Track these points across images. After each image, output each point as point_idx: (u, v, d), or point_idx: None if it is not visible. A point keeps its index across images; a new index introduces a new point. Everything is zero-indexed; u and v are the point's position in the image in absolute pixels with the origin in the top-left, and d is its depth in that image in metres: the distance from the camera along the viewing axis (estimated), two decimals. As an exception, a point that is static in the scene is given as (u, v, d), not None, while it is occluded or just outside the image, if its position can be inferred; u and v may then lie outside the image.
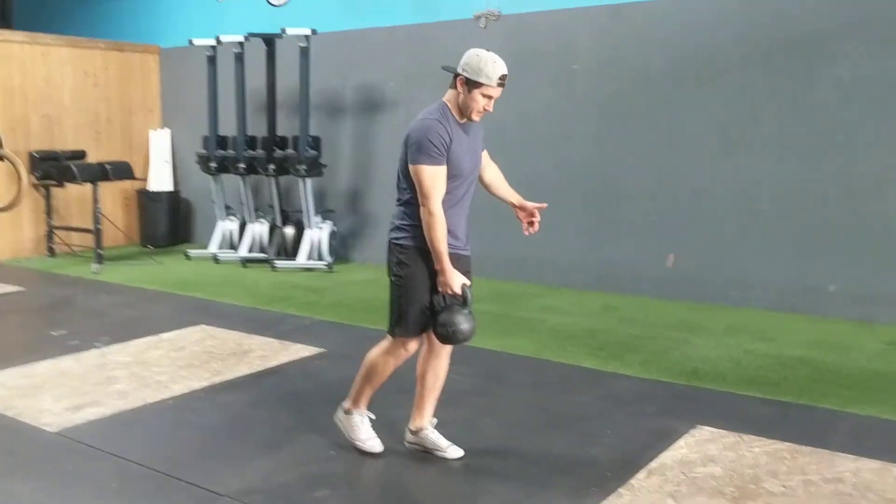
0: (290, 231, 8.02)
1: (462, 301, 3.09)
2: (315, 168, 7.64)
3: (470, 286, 3.11)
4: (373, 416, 3.47)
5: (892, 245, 5.56)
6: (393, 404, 3.89)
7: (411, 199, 3.12)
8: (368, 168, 8.07)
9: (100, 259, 7.53)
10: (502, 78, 3.01)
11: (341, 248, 8.19)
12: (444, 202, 3.05)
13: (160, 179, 9.10)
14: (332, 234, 7.89)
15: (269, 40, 7.68)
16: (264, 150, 7.83)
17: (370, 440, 3.41)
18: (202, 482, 3.13)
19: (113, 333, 5.24)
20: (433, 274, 3.16)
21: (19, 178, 6.48)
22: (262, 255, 7.96)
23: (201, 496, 3.03)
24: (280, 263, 7.64)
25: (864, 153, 5.63)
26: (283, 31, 7.44)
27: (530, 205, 3.37)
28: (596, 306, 6.17)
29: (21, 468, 3.28)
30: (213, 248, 8.20)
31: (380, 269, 7.43)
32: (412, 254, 3.16)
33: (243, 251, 8.00)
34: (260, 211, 8.28)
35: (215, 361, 4.69)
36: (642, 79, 6.46)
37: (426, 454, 3.39)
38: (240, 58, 7.83)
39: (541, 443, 3.58)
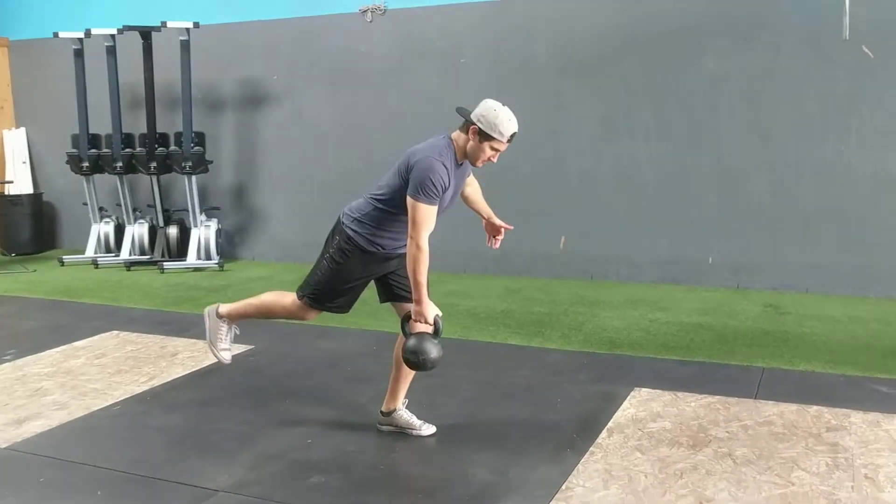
0: (173, 231, 7.79)
1: (434, 331, 3.20)
2: (200, 165, 7.46)
3: (442, 317, 3.22)
4: (238, 332, 3.70)
5: (759, 221, 6.24)
6: (356, 392, 4.03)
7: (385, 209, 3.25)
8: (253, 163, 7.96)
9: (-35, 269, 6.99)
10: (512, 136, 3.17)
11: (228, 246, 8.05)
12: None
13: (19, 182, 8.52)
14: (218, 232, 7.73)
15: (146, 33, 7.38)
16: (144, 148, 7.53)
17: (225, 351, 3.68)
18: (191, 480, 3.10)
19: (18, 346, 4.94)
20: (365, 272, 3.34)
21: None
22: (146, 258, 7.67)
23: (196, 494, 3.00)
24: (169, 265, 7.40)
25: (733, 138, 6.26)
26: (164, 24, 7.18)
27: (498, 221, 3.58)
28: (499, 289, 6.47)
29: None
30: (90, 252, 7.79)
31: (275, 266, 7.54)
32: (355, 249, 3.30)
33: (125, 254, 7.68)
34: (139, 211, 7.96)
35: (145, 365, 4.56)
36: (528, 71, 6.82)
37: (400, 434, 3.53)
38: (112, 51, 7.48)
39: (502, 414, 3.81)
